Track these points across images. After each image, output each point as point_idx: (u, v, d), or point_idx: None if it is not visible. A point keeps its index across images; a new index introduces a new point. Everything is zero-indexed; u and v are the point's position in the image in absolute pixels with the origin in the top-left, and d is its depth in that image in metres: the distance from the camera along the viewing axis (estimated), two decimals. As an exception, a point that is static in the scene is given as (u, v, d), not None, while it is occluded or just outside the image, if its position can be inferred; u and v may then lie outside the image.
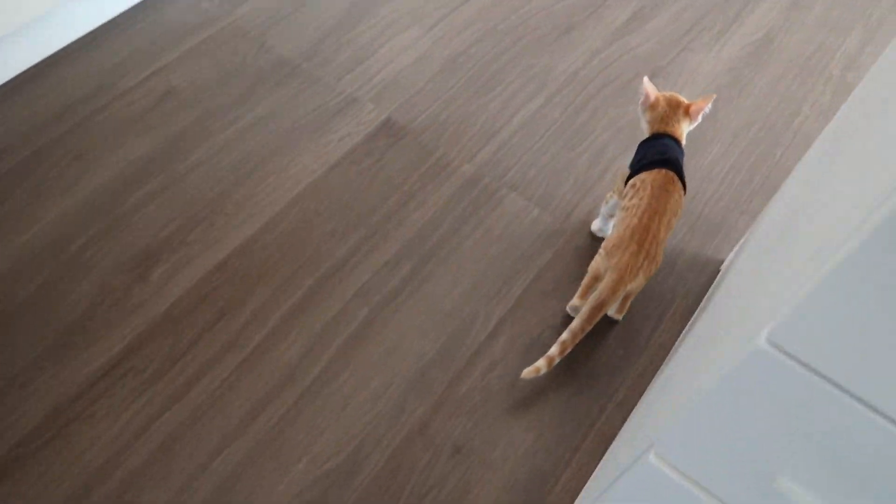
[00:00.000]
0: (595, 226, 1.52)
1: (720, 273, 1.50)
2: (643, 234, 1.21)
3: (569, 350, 1.27)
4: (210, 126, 1.62)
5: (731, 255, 1.47)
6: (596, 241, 1.51)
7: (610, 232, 1.32)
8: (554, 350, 1.27)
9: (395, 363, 1.34)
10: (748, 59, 1.88)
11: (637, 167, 1.31)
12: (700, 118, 1.36)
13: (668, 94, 1.36)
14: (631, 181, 1.30)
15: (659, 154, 1.29)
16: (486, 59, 1.82)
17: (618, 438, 1.27)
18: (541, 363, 1.27)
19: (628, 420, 1.29)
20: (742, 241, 1.44)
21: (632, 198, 1.28)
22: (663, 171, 1.26)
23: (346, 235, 1.48)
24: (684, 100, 1.35)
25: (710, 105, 1.34)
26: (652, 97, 1.34)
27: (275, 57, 1.77)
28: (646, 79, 1.34)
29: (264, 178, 1.55)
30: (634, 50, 1.87)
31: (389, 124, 1.67)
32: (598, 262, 1.30)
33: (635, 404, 1.33)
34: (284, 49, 1.78)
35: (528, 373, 1.28)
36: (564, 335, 1.27)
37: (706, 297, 1.45)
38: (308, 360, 1.32)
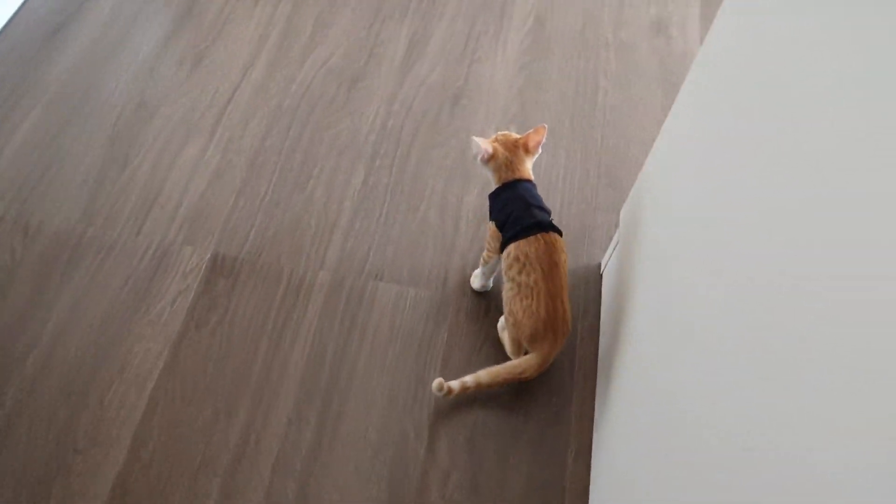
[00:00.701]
0: (477, 284, 1.45)
1: (603, 277, 1.50)
2: (553, 322, 1.20)
3: (468, 392, 1.28)
4: (9, 352, 1.32)
5: (608, 257, 1.48)
6: (482, 297, 1.45)
7: (503, 300, 1.26)
8: (456, 385, 1.27)
9: (350, 528, 1.20)
10: (532, 52, 1.89)
11: (511, 234, 1.25)
12: (540, 149, 1.33)
13: (500, 137, 1.31)
14: (513, 253, 1.24)
15: (525, 210, 1.24)
16: (288, 147, 1.65)
17: (593, 491, 1.24)
18: (444, 387, 1.26)
19: (594, 467, 1.26)
20: (613, 245, 1.45)
21: (519, 272, 1.23)
22: (541, 238, 1.22)
23: (231, 412, 1.29)
24: (517, 136, 1.31)
25: (545, 136, 1.30)
26: (490, 149, 1.28)
27: (49, 235, 1.47)
28: (474, 137, 1.28)
29: (106, 390, 1.29)
30: (427, 80, 1.80)
31: (219, 262, 1.46)
32: (512, 333, 1.26)
33: (590, 446, 1.31)
34: (55, 222, 1.49)
35: (435, 386, 1.27)
36: (469, 380, 1.27)
37: (603, 305, 1.45)
38: (257, 578, 1.14)
